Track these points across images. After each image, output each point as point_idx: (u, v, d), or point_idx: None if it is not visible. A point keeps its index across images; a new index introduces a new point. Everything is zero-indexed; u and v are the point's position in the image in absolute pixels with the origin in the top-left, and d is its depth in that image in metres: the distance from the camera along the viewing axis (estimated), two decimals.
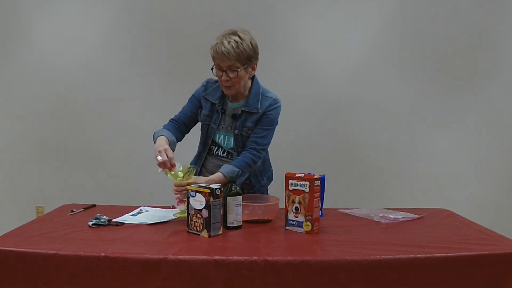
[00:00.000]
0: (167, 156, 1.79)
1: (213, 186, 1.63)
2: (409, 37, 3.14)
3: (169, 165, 1.79)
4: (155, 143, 1.91)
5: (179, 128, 2.07)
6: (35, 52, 3.24)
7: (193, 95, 2.11)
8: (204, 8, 3.13)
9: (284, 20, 3.15)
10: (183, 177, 1.79)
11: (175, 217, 1.80)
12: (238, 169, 1.90)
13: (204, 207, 1.60)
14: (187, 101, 2.13)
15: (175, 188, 1.79)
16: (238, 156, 2.00)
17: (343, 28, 3.14)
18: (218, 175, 1.87)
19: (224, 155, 2.05)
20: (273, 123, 2.03)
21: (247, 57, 1.87)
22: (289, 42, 3.15)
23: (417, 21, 3.13)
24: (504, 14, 3.12)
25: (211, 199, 1.59)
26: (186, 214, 1.69)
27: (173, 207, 1.87)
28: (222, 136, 2.05)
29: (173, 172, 1.81)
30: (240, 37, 1.85)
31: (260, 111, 1.98)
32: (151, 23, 3.18)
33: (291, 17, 3.14)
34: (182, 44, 3.18)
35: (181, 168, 1.80)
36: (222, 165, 1.94)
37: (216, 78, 1.99)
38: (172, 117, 2.11)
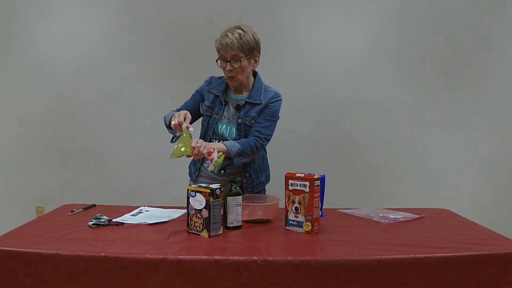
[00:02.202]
0: (184, 119, 1.80)
1: (213, 186, 1.64)
2: (409, 37, 3.14)
3: (180, 127, 1.80)
4: (168, 124, 1.98)
5: None
6: (35, 52, 3.24)
7: (196, 91, 2.20)
8: (204, 8, 3.14)
9: (284, 20, 3.15)
10: (186, 140, 1.78)
11: (214, 169, 1.82)
12: (240, 146, 1.97)
13: (204, 207, 1.61)
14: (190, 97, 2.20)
15: (197, 157, 1.80)
16: None
17: (343, 28, 3.14)
18: (220, 144, 1.96)
19: None
20: (275, 115, 2.09)
21: (250, 48, 1.98)
22: (289, 42, 3.16)
23: (417, 21, 3.13)
24: (504, 13, 3.12)
25: (211, 199, 1.59)
26: (221, 160, 1.78)
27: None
28: (224, 126, 2.09)
29: (179, 146, 1.78)
30: (243, 30, 1.99)
31: (263, 102, 2.06)
32: (151, 22, 3.19)
33: (291, 17, 3.14)
34: (182, 44, 3.18)
35: (191, 129, 1.81)
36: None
37: (219, 75, 2.11)
38: (173, 110, 2.15)
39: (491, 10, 3.12)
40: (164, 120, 2.08)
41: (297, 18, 3.14)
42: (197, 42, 3.13)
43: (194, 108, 2.14)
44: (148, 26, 3.19)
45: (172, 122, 1.81)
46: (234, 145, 1.96)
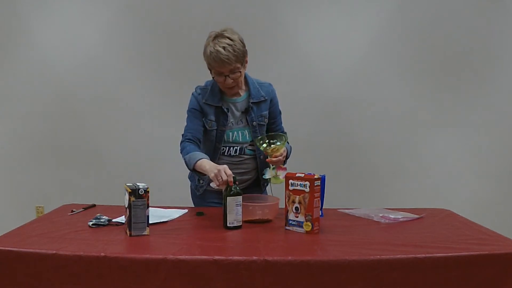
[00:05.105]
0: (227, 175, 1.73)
1: (140, 185, 1.62)
2: (409, 37, 3.14)
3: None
4: (191, 167, 1.89)
5: (199, 146, 2.01)
6: (35, 52, 3.24)
7: (192, 108, 2.04)
8: (204, 8, 3.13)
9: (284, 20, 3.15)
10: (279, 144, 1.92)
11: (270, 180, 1.93)
12: (290, 148, 2.13)
13: (127, 206, 1.61)
14: (187, 117, 2.06)
15: (270, 161, 1.89)
16: (249, 150, 2.07)
17: (343, 28, 3.14)
18: (285, 149, 1.99)
19: (236, 154, 2.06)
20: (278, 106, 2.18)
21: (242, 55, 1.93)
22: (289, 42, 3.15)
23: (417, 21, 3.13)
24: (504, 13, 3.12)
25: (132, 199, 1.59)
26: (279, 181, 1.86)
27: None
28: (235, 132, 2.05)
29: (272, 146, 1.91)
30: (231, 39, 1.89)
31: (266, 97, 2.08)
32: (152, 22, 3.18)
33: (291, 17, 3.14)
34: (182, 44, 3.18)
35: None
36: (236, 161, 2.03)
37: (203, 81, 2.09)
38: (187, 137, 2.01)
39: (491, 10, 3.11)
40: (188, 162, 1.90)
41: (297, 18, 3.14)
42: (197, 42, 3.08)
43: (201, 127, 2.03)
44: (148, 26, 3.19)
45: (216, 186, 1.75)
46: (287, 147, 2.04)
